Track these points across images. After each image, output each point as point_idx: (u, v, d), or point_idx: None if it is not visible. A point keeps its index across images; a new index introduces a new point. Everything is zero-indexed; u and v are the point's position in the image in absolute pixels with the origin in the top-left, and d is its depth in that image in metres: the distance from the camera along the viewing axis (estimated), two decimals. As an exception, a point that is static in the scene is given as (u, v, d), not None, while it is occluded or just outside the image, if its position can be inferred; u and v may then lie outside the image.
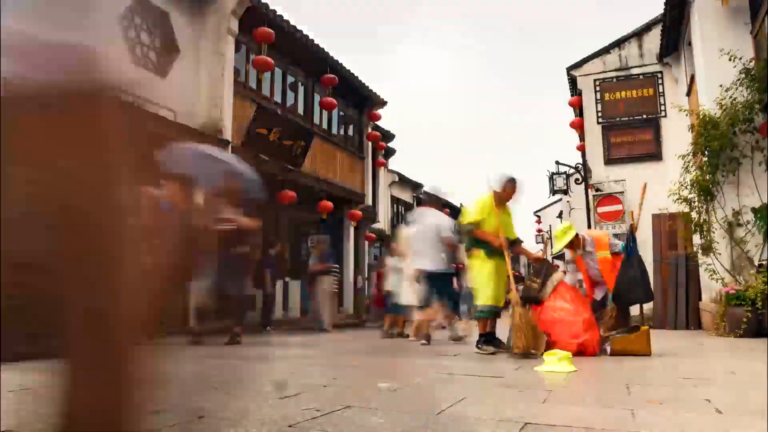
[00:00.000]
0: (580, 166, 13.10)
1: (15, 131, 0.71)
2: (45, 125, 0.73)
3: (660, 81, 11.90)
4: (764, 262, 7.52)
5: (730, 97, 7.81)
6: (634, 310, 5.70)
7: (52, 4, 0.74)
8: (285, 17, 10.73)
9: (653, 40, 11.84)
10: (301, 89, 12.64)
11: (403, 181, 21.83)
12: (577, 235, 5.73)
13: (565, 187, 14.61)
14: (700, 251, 8.48)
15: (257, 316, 9.55)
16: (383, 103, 15.32)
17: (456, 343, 6.58)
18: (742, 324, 6.75)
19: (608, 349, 4.66)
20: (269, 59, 10.06)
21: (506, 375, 3.52)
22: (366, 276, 16.11)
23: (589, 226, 12.03)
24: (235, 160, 4.00)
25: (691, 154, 8.40)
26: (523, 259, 37.07)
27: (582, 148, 12.91)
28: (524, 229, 36.95)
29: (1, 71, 0.70)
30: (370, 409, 2.23)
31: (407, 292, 7.49)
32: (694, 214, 8.34)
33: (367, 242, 16.19)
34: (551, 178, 14.65)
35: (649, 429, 1.90)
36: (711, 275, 7.90)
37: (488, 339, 5.14)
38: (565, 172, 14.53)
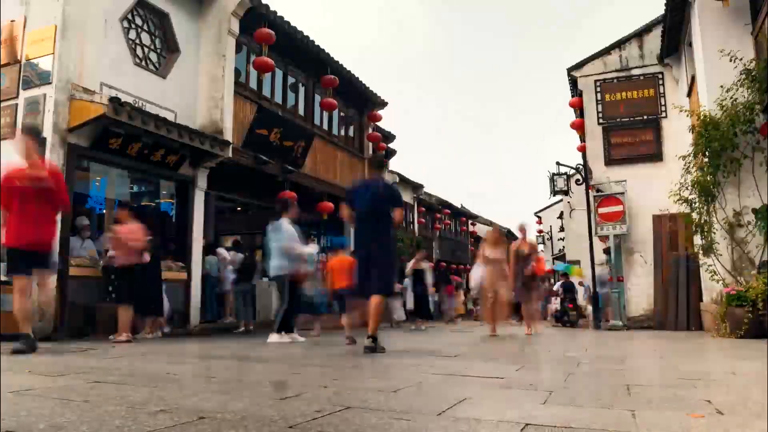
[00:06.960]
0: (581, 166, 13.09)
1: None
2: None
3: (661, 82, 11.88)
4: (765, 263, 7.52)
5: (731, 97, 7.81)
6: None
7: None
8: (285, 18, 10.75)
9: (654, 41, 11.83)
10: (301, 90, 12.64)
11: (404, 182, 21.83)
12: None
13: (565, 188, 14.60)
14: (700, 252, 8.47)
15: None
16: (384, 104, 15.32)
17: None
18: (743, 325, 6.74)
19: None
20: (270, 60, 10.07)
21: (506, 375, 3.52)
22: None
23: (590, 227, 12.03)
24: None
25: (691, 154, 8.39)
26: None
27: (583, 149, 12.89)
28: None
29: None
30: (370, 409, 2.22)
31: None
32: (694, 215, 8.33)
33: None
34: (552, 179, 14.64)
35: (649, 429, 1.90)
36: (712, 276, 7.90)
37: None
38: (565, 173, 14.52)
